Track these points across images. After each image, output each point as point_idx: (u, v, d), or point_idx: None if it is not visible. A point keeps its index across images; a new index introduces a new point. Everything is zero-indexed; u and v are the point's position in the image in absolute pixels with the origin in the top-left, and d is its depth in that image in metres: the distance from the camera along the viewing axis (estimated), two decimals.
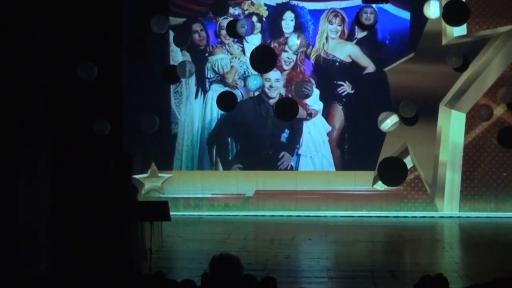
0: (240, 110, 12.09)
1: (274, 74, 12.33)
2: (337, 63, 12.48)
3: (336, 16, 12.40)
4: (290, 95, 11.83)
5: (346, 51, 12.48)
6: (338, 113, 12.46)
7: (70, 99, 9.77)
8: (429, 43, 12.16)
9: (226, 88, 12.19)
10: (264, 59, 9.07)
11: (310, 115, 12.45)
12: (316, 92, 11.93)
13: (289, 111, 9.27)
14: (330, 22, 12.41)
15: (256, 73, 9.98)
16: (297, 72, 12.51)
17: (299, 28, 12.30)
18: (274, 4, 12.58)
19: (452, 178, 12.38)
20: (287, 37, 11.28)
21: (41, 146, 9.29)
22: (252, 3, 12.55)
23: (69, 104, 9.79)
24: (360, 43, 12.46)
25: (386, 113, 10.02)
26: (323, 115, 12.50)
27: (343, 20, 12.39)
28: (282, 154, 12.57)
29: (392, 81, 12.37)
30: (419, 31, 12.23)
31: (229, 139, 12.75)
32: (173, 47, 12.36)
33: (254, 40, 12.31)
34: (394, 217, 12.40)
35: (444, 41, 12.18)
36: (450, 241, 11.15)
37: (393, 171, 8.19)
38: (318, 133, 12.55)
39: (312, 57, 12.49)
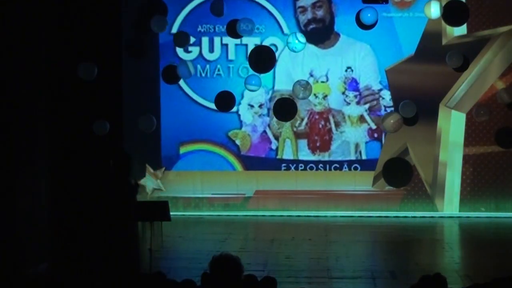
0: None
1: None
2: None
3: None
4: None
5: None
6: None
7: (70, 99, 9.78)
8: (429, 43, 12.16)
9: None
10: (262, 60, 9.06)
11: None
12: None
13: (288, 111, 9.26)
14: None
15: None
16: None
17: None
18: None
19: (452, 178, 12.38)
20: None
21: (41, 146, 9.29)
22: None
23: (69, 104, 9.80)
24: None
25: (388, 112, 10.04)
26: None
27: None
28: None
29: (392, 81, 12.37)
30: None
31: None
32: None
33: None
34: (394, 217, 12.39)
35: (444, 41, 12.18)
36: (450, 241, 11.16)
37: (398, 172, 8.20)
38: None
39: None
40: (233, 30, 9.68)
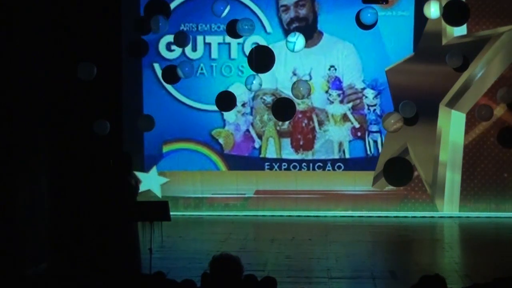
0: None
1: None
2: None
3: None
4: None
5: None
6: None
7: (70, 99, 9.79)
8: (429, 43, 12.16)
9: None
10: (262, 59, 9.05)
11: None
12: None
13: (286, 111, 9.25)
14: None
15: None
16: None
17: None
18: None
19: (452, 178, 12.38)
20: None
21: (41, 146, 9.29)
22: None
23: (69, 104, 9.80)
24: None
25: (389, 112, 10.02)
26: None
27: None
28: None
29: (392, 81, 12.37)
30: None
31: None
32: None
33: None
34: (394, 217, 12.39)
35: (444, 41, 12.19)
36: (450, 241, 11.15)
37: (399, 172, 8.19)
38: None
39: None
40: (232, 30, 9.67)
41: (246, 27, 9.37)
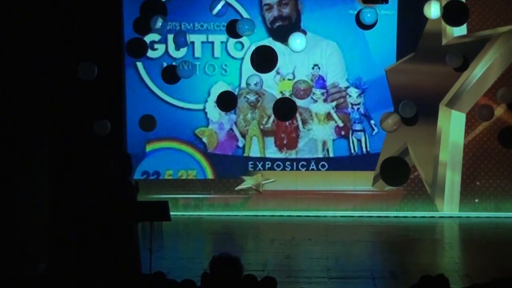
0: None
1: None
2: None
3: None
4: None
5: None
6: None
7: (70, 99, 9.80)
8: (429, 43, 12.16)
9: None
10: (264, 59, 9.05)
11: None
12: None
13: (287, 111, 9.25)
14: None
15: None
16: None
17: None
18: None
19: (452, 178, 12.38)
20: None
21: (41, 146, 9.29)
22: None
23: (69, 104, 9.81)
24: None
25: (387, 113, 10.02)
26: None
27: None
28: None
29: (392, 81, 12.37)
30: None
31: None
32: None
33: None
34: (394, 217, 12.40)
35: (444, 41, 12.19)
36: (450, 241, 11.16)
37: (395, 171, 8.20)
38: None
39: None
40: (233, 30, 9.67)
41: (247, 26, 9.36)
